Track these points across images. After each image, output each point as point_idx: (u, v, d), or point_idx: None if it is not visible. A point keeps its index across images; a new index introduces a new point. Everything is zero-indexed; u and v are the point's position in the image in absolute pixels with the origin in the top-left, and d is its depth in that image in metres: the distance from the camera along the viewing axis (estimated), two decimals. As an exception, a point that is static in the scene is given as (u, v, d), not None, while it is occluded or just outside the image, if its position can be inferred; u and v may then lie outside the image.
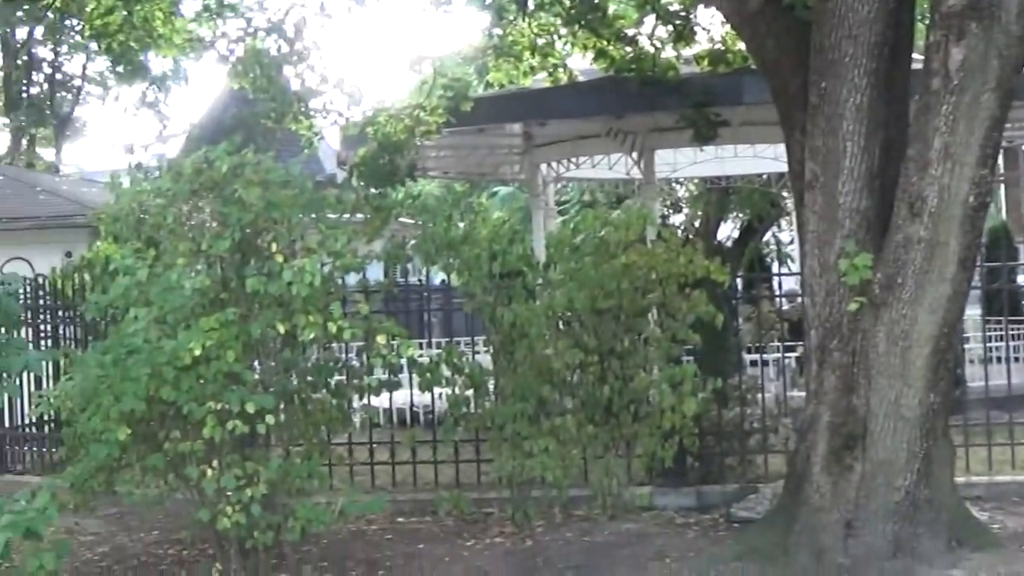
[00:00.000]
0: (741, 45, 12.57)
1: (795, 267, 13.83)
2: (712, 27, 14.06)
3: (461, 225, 10.65)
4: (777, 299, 14.49)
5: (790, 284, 15.00)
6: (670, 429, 10.16)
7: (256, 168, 9.00)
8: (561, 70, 14.99)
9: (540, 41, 14.69)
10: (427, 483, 11.78)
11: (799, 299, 11.41)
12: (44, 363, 7.99)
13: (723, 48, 13.79)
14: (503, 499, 10.69)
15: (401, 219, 12.32)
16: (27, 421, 13.62)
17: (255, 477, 8.51)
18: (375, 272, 10.77)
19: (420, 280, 13.84)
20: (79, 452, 9.12)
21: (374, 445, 11.90)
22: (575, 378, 10.41)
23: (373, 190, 12.56)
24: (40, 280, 13.32)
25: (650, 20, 14.35)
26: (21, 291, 11.67)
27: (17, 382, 9.46)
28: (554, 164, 18.46)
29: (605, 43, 14.05)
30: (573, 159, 18.10)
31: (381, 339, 9.28)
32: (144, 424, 8.76)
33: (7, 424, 13.71)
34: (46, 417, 12.68)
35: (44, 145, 35.70)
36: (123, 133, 68.64)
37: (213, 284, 8.88)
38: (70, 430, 9.28)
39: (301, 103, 13.62)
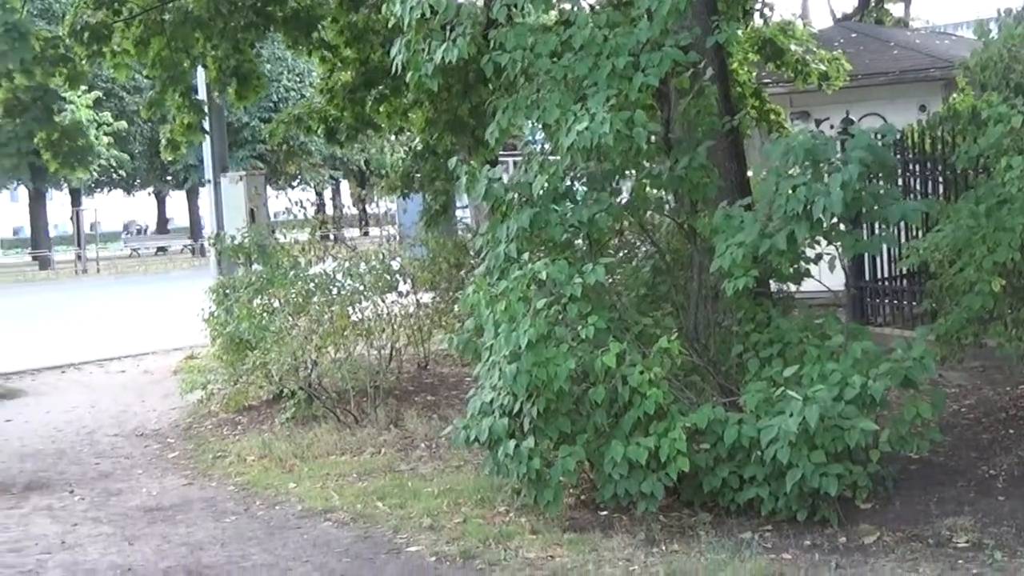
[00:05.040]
0: None
1: None
2: None
3: None
4: None
5: None
6: None
7: None
8: None
9: None
10: None
11: None
12: (917, 214, 7.95)
13: None
14: None
15: None
16: (887, 274, 13.80)
17: None
18: None
19: None
20: (947, 304, 9.06)
21: None
22: None
23: None
24: (897, 134, 13.30)
25: None
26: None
27: (894, 232, 9.52)
28: None
29: None
30: None
31: None
32: (1017, 275, 8.50)
33: (867, 277, 13.97)
34: (905, 270, 12.78)
35: (892, 0, 35.60)
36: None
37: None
38: (936, 282, 9.25)
39: None
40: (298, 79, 52.61)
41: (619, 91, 7.67)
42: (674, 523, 7.48)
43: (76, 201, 57.26)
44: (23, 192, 62.41)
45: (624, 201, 8.51)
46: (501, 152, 15.02)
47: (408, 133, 16.87)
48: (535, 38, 8.00)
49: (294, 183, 61.41)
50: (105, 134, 45.54)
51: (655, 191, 8.61)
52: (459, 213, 19.86)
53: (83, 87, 25.94)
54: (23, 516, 9.00)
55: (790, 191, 7.18)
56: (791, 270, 7.99)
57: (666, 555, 6.96)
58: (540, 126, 8.05)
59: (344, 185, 68.63)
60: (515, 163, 16.95)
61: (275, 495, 9.06)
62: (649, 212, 8.97)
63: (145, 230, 72.32)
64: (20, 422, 13.05)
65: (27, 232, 65.52)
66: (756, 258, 7.46)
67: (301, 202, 14.76)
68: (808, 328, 8.12)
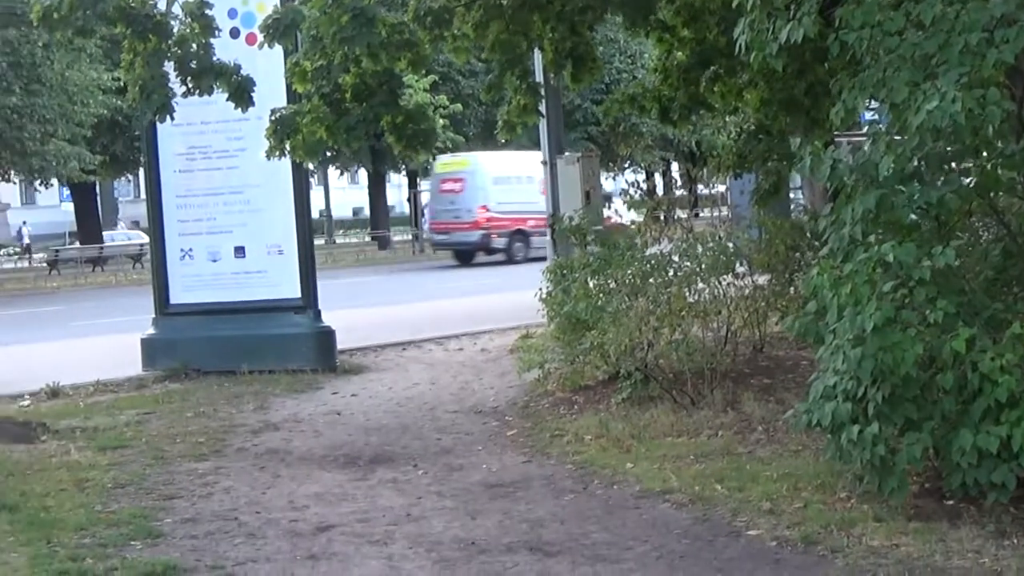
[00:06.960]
0: None
1: None
2: None
3: None
4: None
5: None
6: None
7: None
8: None
9: None
10: None
11: None
12: None
13: None
14: None
15: None
16: None
17: None
18: None
19: None
20: None
21: None
22: None
23: None
24: None
25: None
26: None
27: None
28: None
29: None
30: None
31: None
32: None
33: None
34: None
35: None
36: None
37: None
38: None
39: None
40: (630, 61, 52.76)
41: (971, 68, 7.40)
42: (1026, 516, 7.21)
43: (413, 183, 59.43)
44: (363, 175, 65.19)
45: (974, 182, 8.20)
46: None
47: (742, 113, 16.71)
48: (882, 15, 7.82)
49: (625, 164, 61.75)
50: (441, 116, 46.95)
51: (1007, 172, 8.27)
52: (791, 195, 19.51)
53: (422, 71, 26.82)
54: (370, 488, 9.42)
55: None
56: None
57: (1018, 548, 6.72)
58: (887, 106, 7.82)
59: (674, 166, 68.62)
60: (848, 143, 16.56)
61: (612, 475, 9.19)
62: (1000, 193, 8.63)
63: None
64: (364, 397, 13.68)
65: (367, 213, 68.36)
66: (1117, 241, 7.10)
67: (637, 183, 14.87)
68: None
